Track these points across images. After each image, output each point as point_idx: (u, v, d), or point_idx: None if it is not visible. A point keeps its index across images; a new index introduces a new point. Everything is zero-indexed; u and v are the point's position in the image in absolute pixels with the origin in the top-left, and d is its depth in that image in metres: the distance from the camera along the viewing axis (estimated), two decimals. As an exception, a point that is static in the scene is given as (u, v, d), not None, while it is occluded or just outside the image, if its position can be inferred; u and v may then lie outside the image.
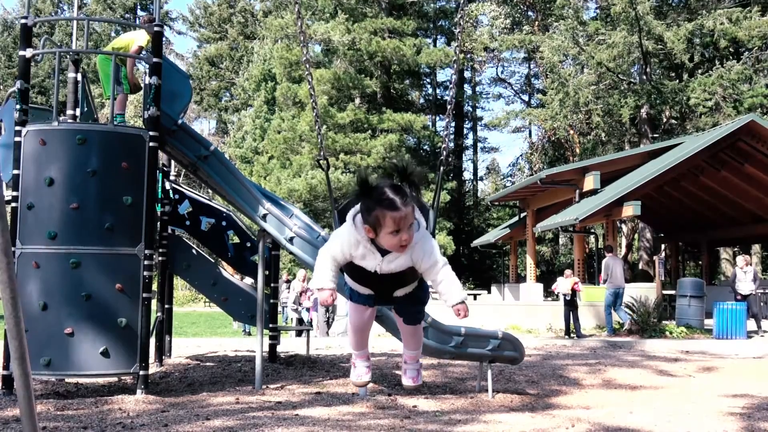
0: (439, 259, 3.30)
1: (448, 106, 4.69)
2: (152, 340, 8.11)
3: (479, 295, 27.28)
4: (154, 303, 7.72)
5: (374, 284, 3.43)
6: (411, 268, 3.30)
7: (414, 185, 3.21)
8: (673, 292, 18.76)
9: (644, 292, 17.23)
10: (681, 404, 6.37)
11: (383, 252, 3.23)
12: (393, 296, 3.50)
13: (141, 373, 6.75)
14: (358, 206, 3.22)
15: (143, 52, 8.28)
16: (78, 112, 8.53)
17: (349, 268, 3.41)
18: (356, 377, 3.94)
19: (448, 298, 3.30)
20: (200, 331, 16.53)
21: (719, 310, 15.05)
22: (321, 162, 4.14)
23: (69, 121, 7.98)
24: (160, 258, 9.38)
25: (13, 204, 6.74)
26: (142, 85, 8.51)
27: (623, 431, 4.76)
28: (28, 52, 7.16)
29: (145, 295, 6.82)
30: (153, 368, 8.64)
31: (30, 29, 7.25)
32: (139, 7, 52.86)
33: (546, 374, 8.77)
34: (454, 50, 4.34)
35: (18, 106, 7.01)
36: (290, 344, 12.90)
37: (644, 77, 30.70)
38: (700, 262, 31.29)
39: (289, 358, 10.49)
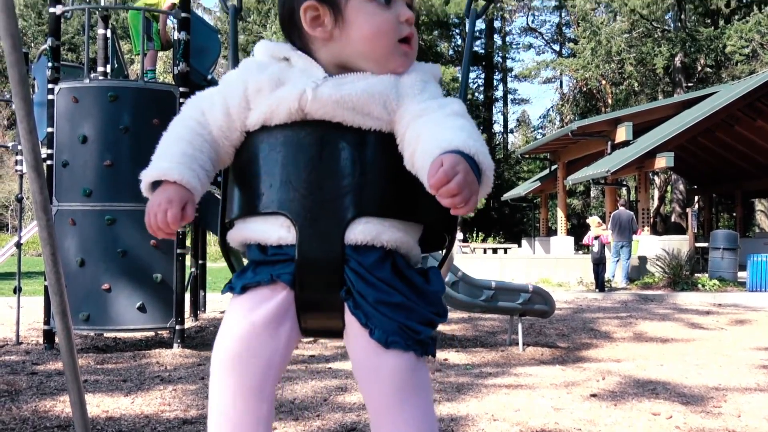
0: (446, 103, 1.45)
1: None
2: (187, 295, 8.26)
3: (509, 248, 27.25)
4: (188, 258, 7.84)
5: (294, 171, 1.43)
6: (389, 141, 1.44)
7: None
8: (706, 244, 18.59)
9: (676, 245, 17.12)
10: (712, 357, 6.37)
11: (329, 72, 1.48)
12: (344, 245, 1.41)
13: (177, 327, 6.88)
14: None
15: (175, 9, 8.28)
16: (108, 68, 8.58)
17: (240, 155, 1.54)
18: None
19: (438, 141, 1.32)
20: (233, 284, 16.82)
21: (753, 263, 14.90)
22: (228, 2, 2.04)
23: (100, 78, 8.02)
24: (192, 214, 9.48)
25: (48, 162, 6.83)
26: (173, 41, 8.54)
27: (654, 384, 4.78)
28: (58, 9, 7.17)
29: (179, 250, 6.92)
30: (188, 323, 8.81)
31: (59, -14, 7.25)
32: (165, -40, 52.58)
33: (577, 327, 8.80)
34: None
35: (50, 64, 7.06)
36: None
37: (679, 24, 30.04)
38: (734, 214, 30.89)
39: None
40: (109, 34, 8.58)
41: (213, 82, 8.12)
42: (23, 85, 2.04)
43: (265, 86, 1.46)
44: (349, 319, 1.44)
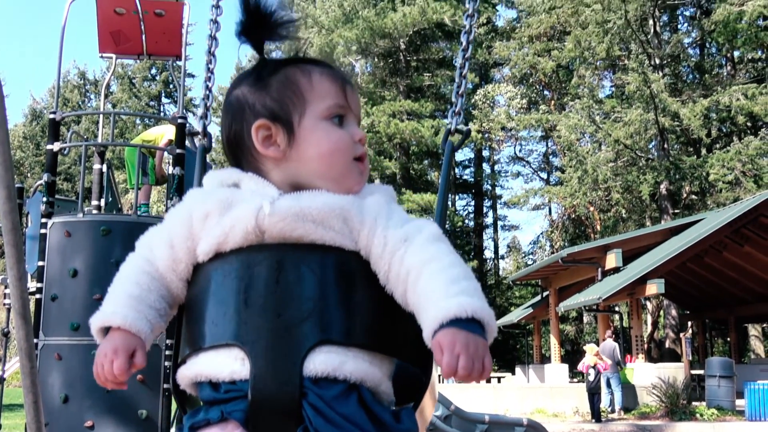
0: (422, 225, 1.45)
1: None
2: None
3: (503, 377, 26.82)
4: (174, 393, 7.68)
5: (249, 298, 1.31)
6: (354, 258, 1.35)
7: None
8: (701, 371, 18.37)
9: (672, 372, 16.92)
10: (715, 494, 6.16)
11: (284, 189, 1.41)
12: (302, 377, 1.25)
13: (161, 465, 6.66)
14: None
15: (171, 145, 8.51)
16: (102, 202, 8.69)
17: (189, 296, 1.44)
18: None
19: (436, 305, 1.23)
20: (221, 417, 16.41)
21: (751, 391, 14.68)
22: (198, 138, 2.12)
23: (94, 211, 8.11)
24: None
25: (38, 295, 6.80)
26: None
27: None
28: (56, 146, 7.32)
29: (165, 386, 6.78)
30: (173, 459, 8.53)
31: (58, 124, 7.44)
32: (163, 94, 54.31)
33: (574, 462, 8.55)
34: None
35: (44, 199, 7.15)
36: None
37: (662, 153, 30.84)
38: (728, 339, 30.69)
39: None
40: (104, 169, 8.74)
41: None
42: (15, 233, 2.07)
43: (213, 210, 1.37)
44: None
